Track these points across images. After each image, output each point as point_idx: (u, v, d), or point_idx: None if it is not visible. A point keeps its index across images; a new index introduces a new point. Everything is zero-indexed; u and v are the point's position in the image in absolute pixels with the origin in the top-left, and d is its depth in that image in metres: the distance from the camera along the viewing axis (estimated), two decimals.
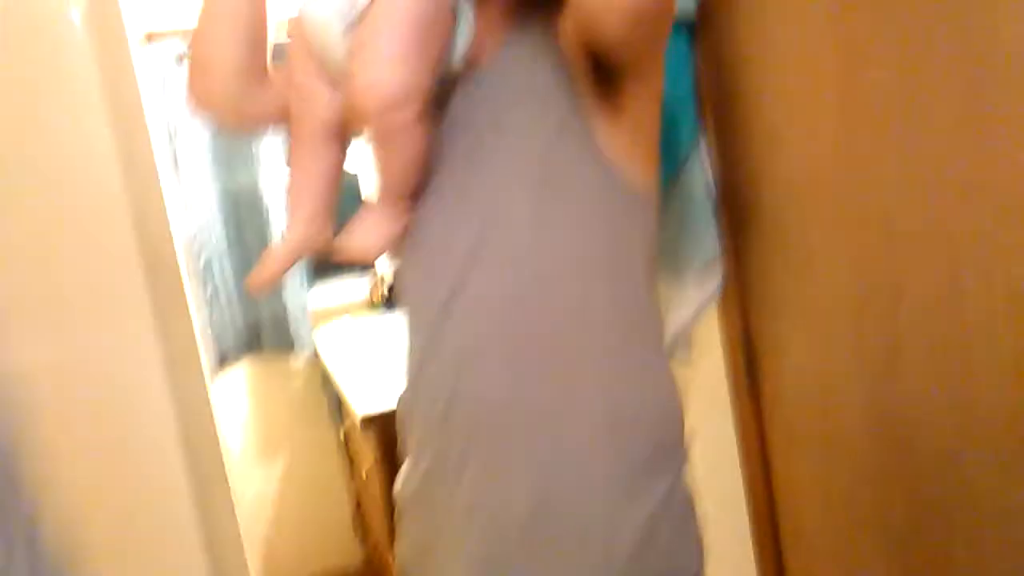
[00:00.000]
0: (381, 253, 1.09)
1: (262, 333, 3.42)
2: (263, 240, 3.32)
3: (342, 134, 1.09)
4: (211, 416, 2.25)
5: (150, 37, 3.08)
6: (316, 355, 3.37)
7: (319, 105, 1.06)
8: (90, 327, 1.92)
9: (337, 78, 1.03)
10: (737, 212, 1.78)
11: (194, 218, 3.22)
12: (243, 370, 3.46)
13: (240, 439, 3.47)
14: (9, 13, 1.74)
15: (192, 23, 3.00)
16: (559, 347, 1.02)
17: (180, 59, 3.15)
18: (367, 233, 1.06)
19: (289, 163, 1.10)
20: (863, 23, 1.36)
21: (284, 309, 3.38)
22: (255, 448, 3.48)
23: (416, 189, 1.06)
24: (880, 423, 1.48)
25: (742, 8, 1.64)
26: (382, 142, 0.99)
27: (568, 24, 1.03)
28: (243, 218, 3.34)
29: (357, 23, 0.98)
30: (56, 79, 1.80)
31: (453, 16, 1.01)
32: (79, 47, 1.81)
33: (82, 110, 1.85)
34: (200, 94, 1.12)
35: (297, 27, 1.06)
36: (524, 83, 1.04)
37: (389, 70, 0.94)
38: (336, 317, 3.53)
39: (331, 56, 1.02)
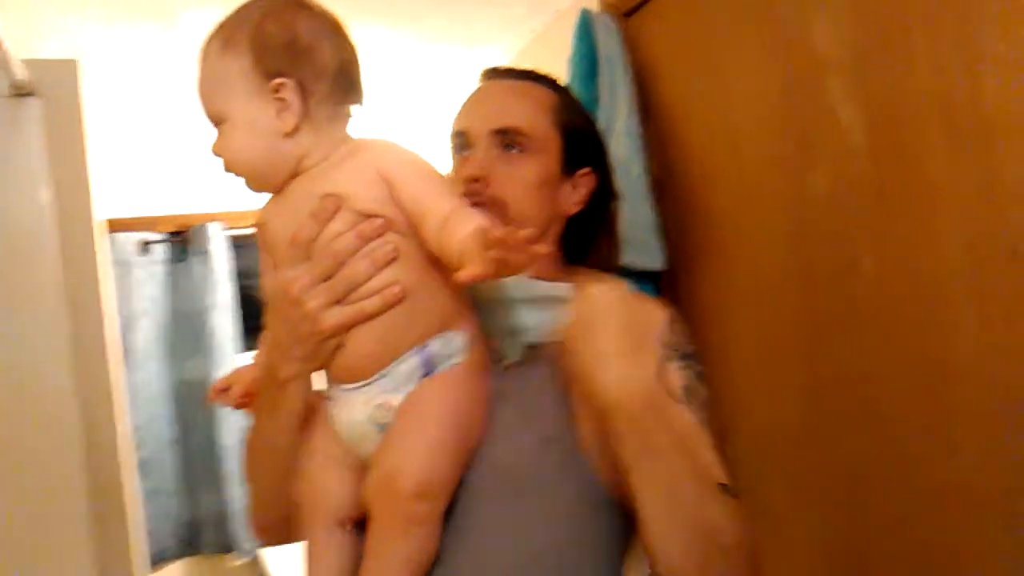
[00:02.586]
0: None
1: (202, 532, 3.25)
2: (209, 437, 3.20)
3: (354, 523, 1.02)
4: None
5: (112, 224, 3.07)
6: (256, 559, 3.18)
7: (334, 499, 1.01)
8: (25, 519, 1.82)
9: (364, 465, 0.99)
10: None
11: (141, 410, 3.11)
12: (178, 569, 3.26)
13: None
14: None
15: (155, 210, 2.94)
16: None
17: (141, 247, 3.14)
18: None
19: (305, 556, 1.03)
20: (827, 305, 1.45)
21: (226, 508, 3.21)
22: None
23: None
24: None
25: (707, 261, 1.74)
26: (394, 533, 0.94)
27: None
28: (191, 413, 3.23)
29: (391, 422, 0.96)
30: (19, 260, 1.77)
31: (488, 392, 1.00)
32: (45, 230, 1.79)
33: (42, 293, 1.81)
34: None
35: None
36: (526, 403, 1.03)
37: (423, 460, 0.92)
38: None
39: (362, 450, 0.99)
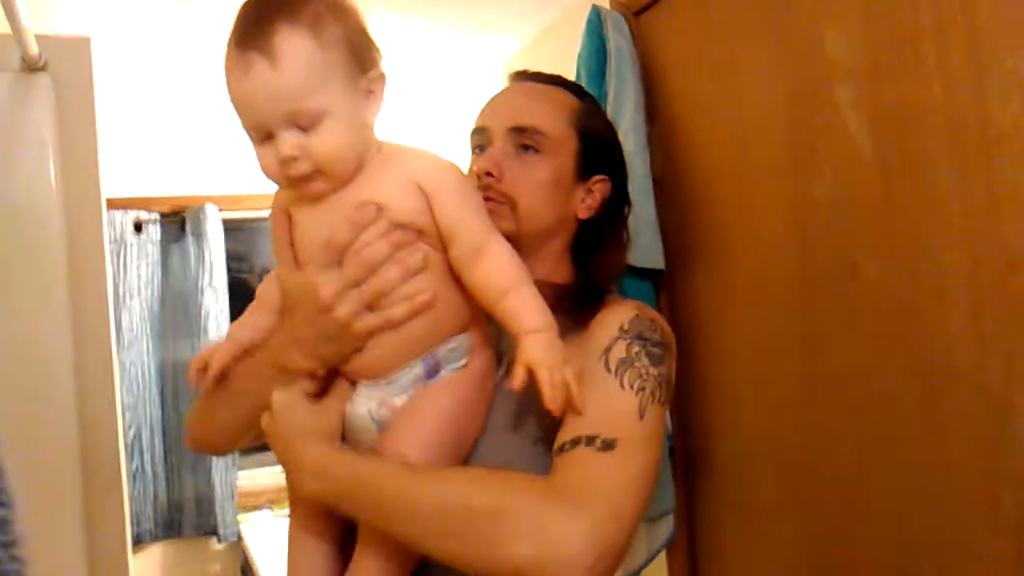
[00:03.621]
0: None
1: (183, 515, 3.25)
2: None
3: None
4: None
5: (108, 203, 3.05)
6: (238, 541, 3.19)
7: None
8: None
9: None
10: (693, 462, 1.83)
11: (128, 390, 3.10)
12: (159, 553, 3.26)
13: None
14: None
15: (148, 192, 2.89)
16: None
17: (137, 226, 3.13)
18: None
19: (288, 556, 1.06)
20: (826, 309, 1.48)
21: (209, 492, 3.22)
22: None
23: None
24: None
25: (707, 261, 1.76)
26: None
27: None
28: (179, 393, 3.23)
29: (389, 420, 0.99)
30: (26, 234, 1.77)
31: (489, 396, 1.03)
32: (52, 205, 1.79)
33: (46, 268, 1.81)
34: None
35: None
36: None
37: (418, 458, 0.95)
38: (265, 501, 3.35)
39: (358, 440, 1.02)
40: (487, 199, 1.06)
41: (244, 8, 0.90)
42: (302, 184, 0.92)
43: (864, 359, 1.39)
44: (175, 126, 3.09)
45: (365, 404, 0.99)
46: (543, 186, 1.13)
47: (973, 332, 1.20)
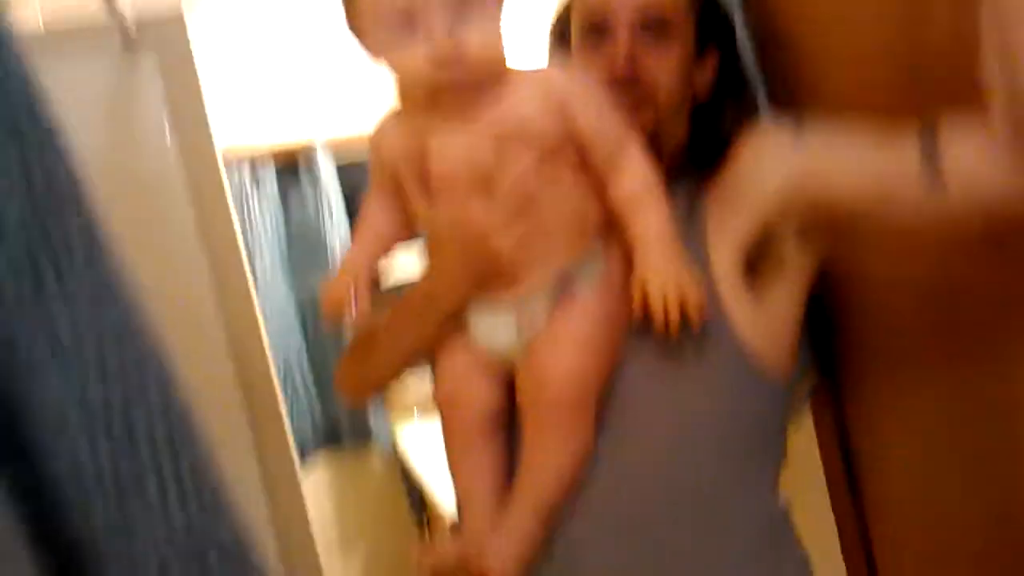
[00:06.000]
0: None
1: (340, 428, 3.48)
2: (337, 339, 3.39)
3: (503, 427, 1.05)
4: (303, 507, 2.28)
5: (226, 154, 3.21)
6: (395, 450, 3.41)
7: (480, 403, 1.05)
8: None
9: (506, 371, 1.04)
10: (826, 316, 1.60)
11: (272, 329, 3.31)
12: (322, 467, 3.51)
13: (320, 533, 3.48)
14: (105, 133, 1.88)
15: (268, 140, 2.91)
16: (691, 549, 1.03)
17: (253, 176, 3.29)
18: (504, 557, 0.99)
19: (452, 471, 1.08)
20: None
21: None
22: (336, 543, 3.53)
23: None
24: (996, 532, 1.35)
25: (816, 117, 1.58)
26: (548, 437, 0.98)
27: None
28: (319, 321, 3.43)
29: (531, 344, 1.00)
30: (150, 197, 1.92)
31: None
32: (171, 166, 1.93)
33: (174, 226, 1.96)
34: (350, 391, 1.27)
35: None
36: None
37: (573, 362, 0.97)
38: (417, 410, 3.54)
39: (506, 359, 1.04)
40: (623, 102, 1.02)
41: None
42: (445, 83, 0.91)
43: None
44: (280, 72, 3.20)
45: (506, 331, 1.01)
46: (677, 76, 1.08)
47: None
